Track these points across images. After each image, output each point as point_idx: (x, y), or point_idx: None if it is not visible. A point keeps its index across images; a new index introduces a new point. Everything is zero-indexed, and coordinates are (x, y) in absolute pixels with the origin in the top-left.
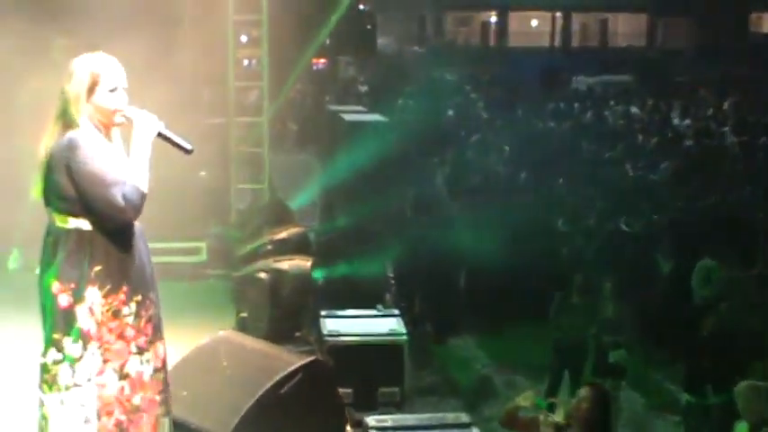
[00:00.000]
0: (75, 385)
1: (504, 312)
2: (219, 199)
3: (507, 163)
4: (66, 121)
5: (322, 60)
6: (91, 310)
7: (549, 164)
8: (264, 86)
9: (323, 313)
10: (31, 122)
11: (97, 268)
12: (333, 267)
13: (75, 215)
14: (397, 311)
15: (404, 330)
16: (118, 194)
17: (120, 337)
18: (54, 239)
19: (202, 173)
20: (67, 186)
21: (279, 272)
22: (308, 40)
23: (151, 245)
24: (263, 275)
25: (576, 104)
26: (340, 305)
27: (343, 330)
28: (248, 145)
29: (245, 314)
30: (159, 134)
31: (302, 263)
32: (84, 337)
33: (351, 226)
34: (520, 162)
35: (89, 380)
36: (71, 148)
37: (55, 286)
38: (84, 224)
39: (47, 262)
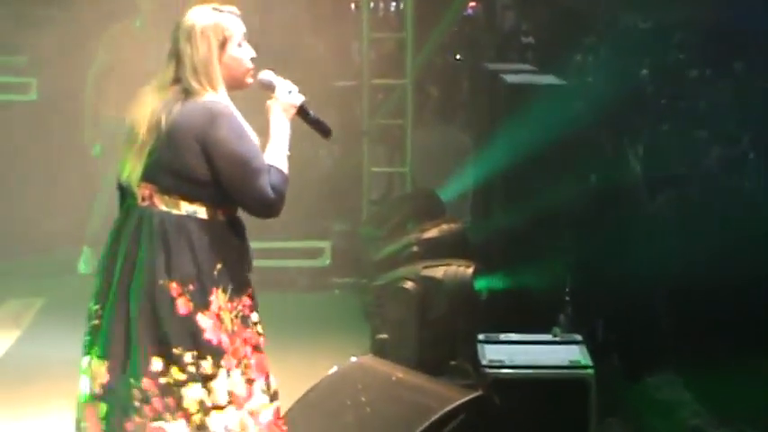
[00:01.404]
0: (215, 407)
1: (722, 342)
2: (348, 186)
3: (727, 142)
4: (190, 88)
5: (472, 4)
6: (219, 317)
7: None
8: (408, 38)
9: (481, 337)
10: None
11: (219, 266)
12: (494, 278)
13: (192, 200)
14: (579, 337)
15: (589, 362)
16: (267, 184)
17: (256, 349)
18: (155, 228)
19: (325, 152)
20: (198, 167)
21: (430, 281)
22: None
23: (259, 245)
24: (408, 285)
25: None
26: (502, 326)
27: (508, 360)
28: (386, 116)
29: (384, 336)
30: (299, 109)
31: (461, 270)
32: (215, 352)
33: (515, 224)
34: (745, 141)
35: (230, 402)
36: (212, 120)
37: (172, 288)
38: (201, 211)
39: (147, 256)
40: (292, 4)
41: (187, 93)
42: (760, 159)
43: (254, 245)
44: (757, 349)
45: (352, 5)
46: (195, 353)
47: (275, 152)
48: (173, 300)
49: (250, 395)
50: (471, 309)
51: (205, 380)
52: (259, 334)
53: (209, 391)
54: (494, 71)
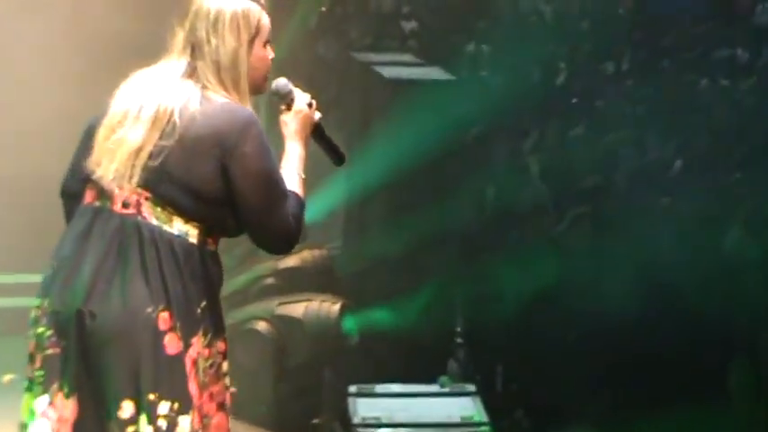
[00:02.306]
0: None
1: (650, 390)
2: None
3: (648, 146)
4: (210, 87)
5: None
6: (195, 364)
7: (720, 148)
8: None
9: (352, 389)
10: None
11: (204, 303)
12: (368, 316)
13: (188, 218)
14: (472, 388)
15: (485, 418)
16: (290, 212)
17: (221, 408)
18: (146, 244)
19: None
20: (211, 181)
21: (288, 321)
22: None
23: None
24: (261, 327)
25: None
26: (379, 376)
27: (385, 417)
28: None
29: (232, 389)
30: (316, 127)
31: (327, 306)
32: (187, 404)
33: (396, 249)
34: (671, 144)
35: None
36: (242, 130)
37: (161, 320)
38: (193, 234)
39: (131, 276)
40: None
41: (205, 91)
42: (688, 171)
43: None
44: (698, 396)
45: None
46: (172, 404)
47: (292, 174)
48: (160, 334)
49: None
50: (339, 354)
51: None
52: (227, 388)
53: None
54: (368, 63)
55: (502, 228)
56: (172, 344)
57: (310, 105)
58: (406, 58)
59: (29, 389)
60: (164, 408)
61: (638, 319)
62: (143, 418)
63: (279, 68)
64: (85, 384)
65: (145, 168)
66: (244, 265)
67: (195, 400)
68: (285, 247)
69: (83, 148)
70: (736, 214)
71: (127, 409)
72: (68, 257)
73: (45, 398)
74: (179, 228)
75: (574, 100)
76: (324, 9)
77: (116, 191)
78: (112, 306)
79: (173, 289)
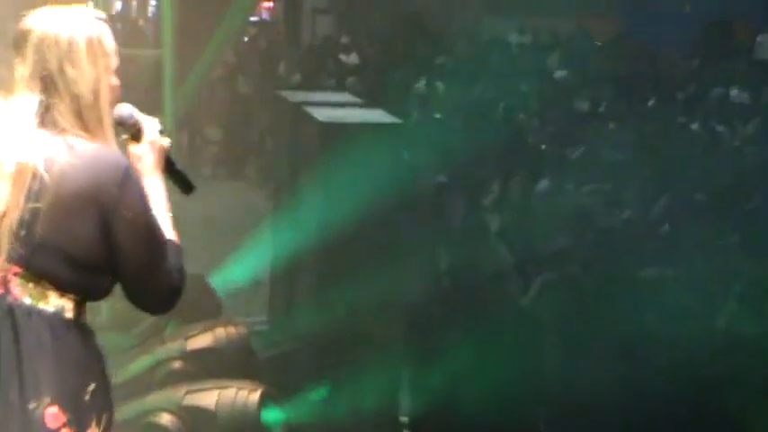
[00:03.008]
0: None
1: None
2: None
3: (629, 202)
4: (71, 130)
5: (267, 4)
6: None
7: (716, 205)
8: (168, 55)
9: None
10: None
11: (92, 386)
12: (294, 405)
13: (64, 290)
14: None
15: None
16: (171, 265)
17: None
18: (20, 329)
19: None
20: (92, 243)
21: (198, 412)
22: None
23: None
24: (166, 420)
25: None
26: None
27: None
28: None
29: None
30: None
31: (244, 395)
32: None
33: (329, 325)
34: (660, 203)
35: None
36: (121, 179)
37: (48, 415)
38: (68, 308)
39: (6, 369)
40: None
41: (65, 135)
42: (676, 231)
43: None
44: None
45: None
46: None
47: (163, 217)
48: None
49: None
50: None
51: None
52: None
53: None
54: (299, 104)
55: (457, 298)
56: None
57: (161, 132)
58: (344, 97)
59: None
60: None
61: (618, 404)
62: None
63: (188, 105)
64: None
65: (11, 238)
66: (143, 345)
67: None
68: (169, 305)
69: None
70: (731, 286)
71: None
72: None
73: None
74: (55, 303)
75: (542, 146)
76: (246, 38)
77: None
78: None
79: (59, 378)
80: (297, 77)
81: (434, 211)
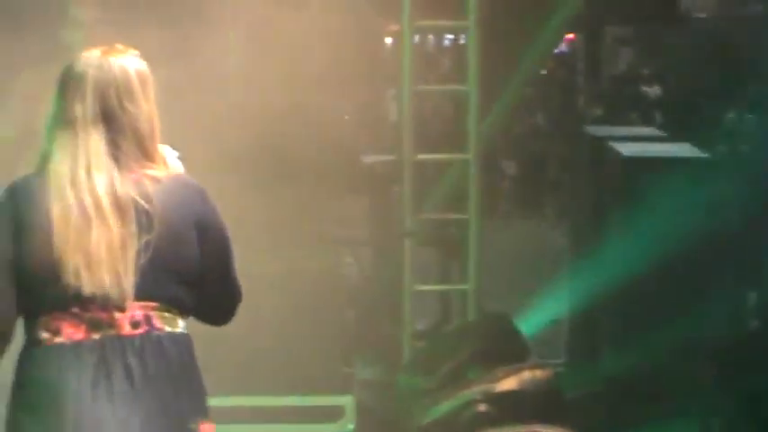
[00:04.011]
0: None
1: None
2: (381, 312)
3: None
4: (139, 160)
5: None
6: None
7: None
8: (472, 92)
9: None
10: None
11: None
12: None
13: (185, 311)
14: None
15: None
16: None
17: None
18: (172, 359)
19: (348, 260)
20: (197, 263)
21: None
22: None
23: (244, 401)
24: None
25: None
26: None
27: None
28: (439, 207)
29: None
30: None
31: None
32: None
33: (635, 369)
34: None
35: None
36: (204, 199)
37: (204, 430)
38: (185, 325)
39: (166, 395)
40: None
41: (136, 166)
42: None
43: (237, 401)
44: None
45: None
46: None
47: None
48: None
49: None
50: None
51: None
52: None
53: None
54: (601, 138)
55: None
56: None
57: (178, 158)
58: (648, 130)
59: None
60: None
61: None
62: None
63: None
64: None
65: (137, 272)
66: (448, 388)
67: None
68: (233, 313)
69: (9, 249)
70: None
71: None
72: (91, 409)
73: None
74: (181, 325)
75: None
76: (544, 72)
77: (116, 314)
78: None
79: (202, 397)
80: (597, 111)
81: (744, 250)
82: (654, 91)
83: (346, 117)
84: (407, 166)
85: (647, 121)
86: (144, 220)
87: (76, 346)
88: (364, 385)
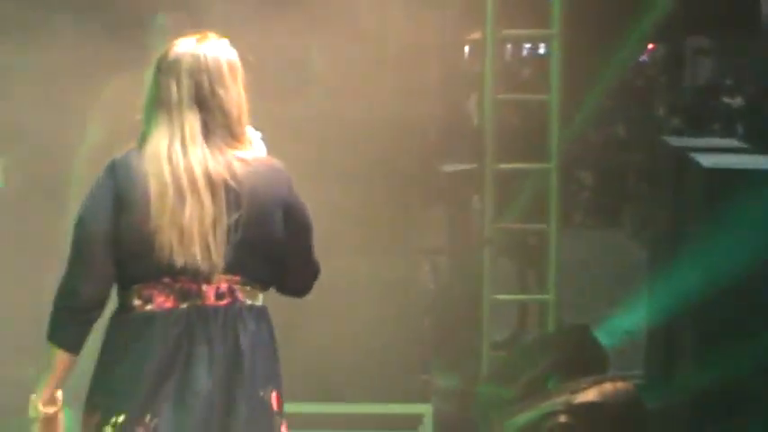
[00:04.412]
0: None
1: None
2: (460, 321)
3: None
4: (228, 142)
5: (650, 46)
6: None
7: None
8: (553, 101)
9: None
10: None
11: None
12: None
13: (265, 285)
14: None
15: None
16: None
17: None
18: (249, 329)
19: (428, 268)
20: (282, 241)
21: None
22: (625, 11)
23: (321, 408)
24: None
25: None
26: None
27: None
28: (518, 217)
29: None
30: None
31: None
32: None
33: (718, 384)
34: None
35: None
36: (288, 180)
37: (273, 398)
38: (262, 299)
39: (243, 363)
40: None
41: (226, 147)
42: None
43: (316, 408)
44: None
45: (466, 50)
46: None
47: None
48: (274, 415)
49: None
50: None
51: None
52: None
53: None
54: (681, 149)
55: None
56: (279, 419)
57: (261, 139)
58: (730, 142)
59: None
60: None
61: None
62: None
63: (569, 149)
64: None
65: (226, 247)
66: (528, 399)
67: None
68: (310, 288)
69: (111, 222)
70: None
71: None
72: (159, 371)
73: None
74: (261, 298)
75: None
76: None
77: (203, 286)
78: (240, 410)
79: (276, 366)
80: (677, 121)
81: None
82: (735, 102)
83: (428, 126)
84: (488, 175)
85: (729, 133)
86: (233, 198)
87: (165, 313)
88: (443, 394)
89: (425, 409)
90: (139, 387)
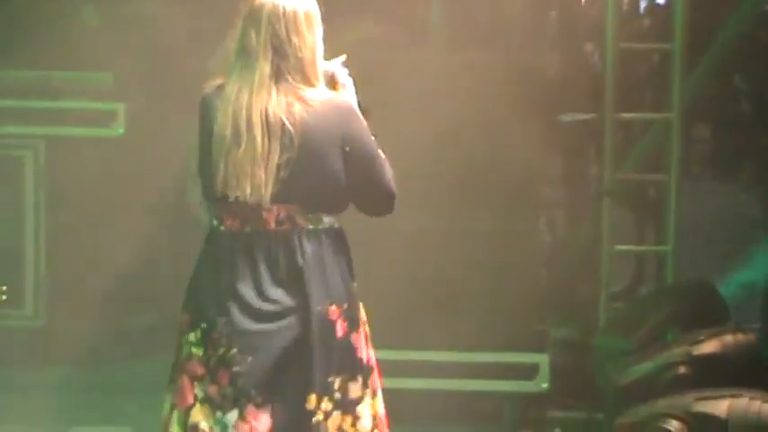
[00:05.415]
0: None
1: None
2: (577, 272)
3: None
4: (298, 86)
5: None
6: (366, 334)
7: None
8: (676, 49)
9: None
10: None
11: (355, 283)
12: None
13: (330, 210)
14: None
15: None
16: (390, 176)
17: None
18: (306, 250)
19: (546, 219)
20: (341, 172)
21: (708, 421)
22: None
23: (439, 356)
24: (674, 426)
25: None
26: None
27: None
28: (639, 167)
29: None
30: None
31: (756, 406)
32: (367, 372)
33: None
34: None
35: (375, 428)
36: (347, 116)
37: (332, 312)
38: (335, 221)
39: (300, 282)
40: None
41: (294, 89)
42: None
43: (434, 356)
44: None
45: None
46: (345, 376)
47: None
48: (332, 324)
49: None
50: None
51: (351, 405)
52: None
53: (356, 418)
54: None
55: None
56: (339, 329)
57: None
58: None
59: (207, 407)
60: (337, 383)
61: None
62: (324, 400)
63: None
64: (276, 391)
65: (282, 184)
66: (647, 350)
67: (373, 363)
68: (389, 208)
69: (206, 150)
70: None
71: (312, 400)
72: (232, 282)
73: (234, 413)
74: (327, 220)
75: None
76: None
77: (263, 213)
78: (294, 316)
79: (334, 282)
80: None
81: None
82: None
83: (547, 76)
84: (608, 125)
85: None
86: (287, 139)
87: (233, 234)
88: (560, 344)
89: (542, 359)
90: (214, 299)
